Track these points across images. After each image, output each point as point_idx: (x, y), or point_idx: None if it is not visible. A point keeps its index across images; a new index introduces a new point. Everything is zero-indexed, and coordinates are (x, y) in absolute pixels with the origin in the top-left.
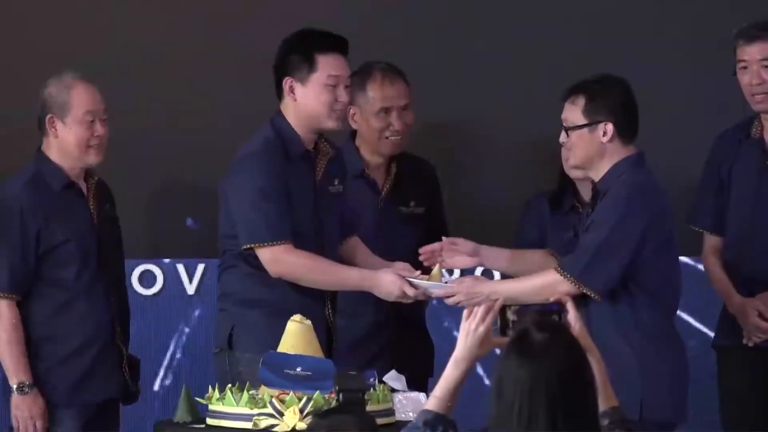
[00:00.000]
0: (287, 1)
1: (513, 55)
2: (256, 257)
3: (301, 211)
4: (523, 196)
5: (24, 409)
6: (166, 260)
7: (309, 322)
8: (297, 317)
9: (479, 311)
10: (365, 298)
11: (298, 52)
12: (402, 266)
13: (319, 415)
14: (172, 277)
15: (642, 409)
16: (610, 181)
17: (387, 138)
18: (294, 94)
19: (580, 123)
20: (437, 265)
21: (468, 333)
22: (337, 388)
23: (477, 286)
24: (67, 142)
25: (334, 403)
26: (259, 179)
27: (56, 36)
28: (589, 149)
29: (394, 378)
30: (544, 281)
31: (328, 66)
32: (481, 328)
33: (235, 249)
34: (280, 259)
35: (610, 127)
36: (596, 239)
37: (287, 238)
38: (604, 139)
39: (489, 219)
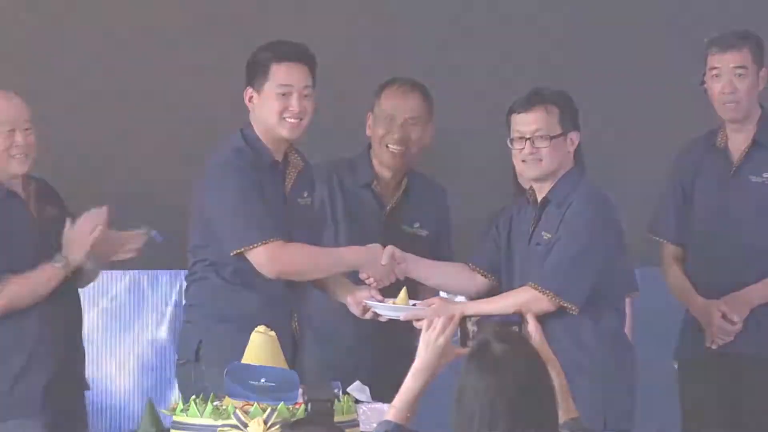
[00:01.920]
0: (259, 13)
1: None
2: (226, 269)
3: None
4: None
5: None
6: (129, 271)
7: (273, 333)
8: (261, 328)
9: (439, 322)
10: (345, 314)
11: (256, 62)
12: (367, 293)
13: (288, 426)
14: (134, 287)
15: (606, 418)
16: (562, 194)
17: (387, 147)
18: (252, 103)
19: (557, 133)
20: (403, 289)
21: (428, 344)
22: (305, 398)
23: (446, 308)
24: None
25: (301, 413)
26: (236, 184)
27: (29, 45)
28: (560, 159)
29: (357, 389)
30: (518, 300)
31: (280, 75)
32: (441, 339)
33: (206, 260)
34: (276, 257)
35: (576, 136)
36: (569, 252)
37: (278, 235)
38: (571, 149)
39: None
